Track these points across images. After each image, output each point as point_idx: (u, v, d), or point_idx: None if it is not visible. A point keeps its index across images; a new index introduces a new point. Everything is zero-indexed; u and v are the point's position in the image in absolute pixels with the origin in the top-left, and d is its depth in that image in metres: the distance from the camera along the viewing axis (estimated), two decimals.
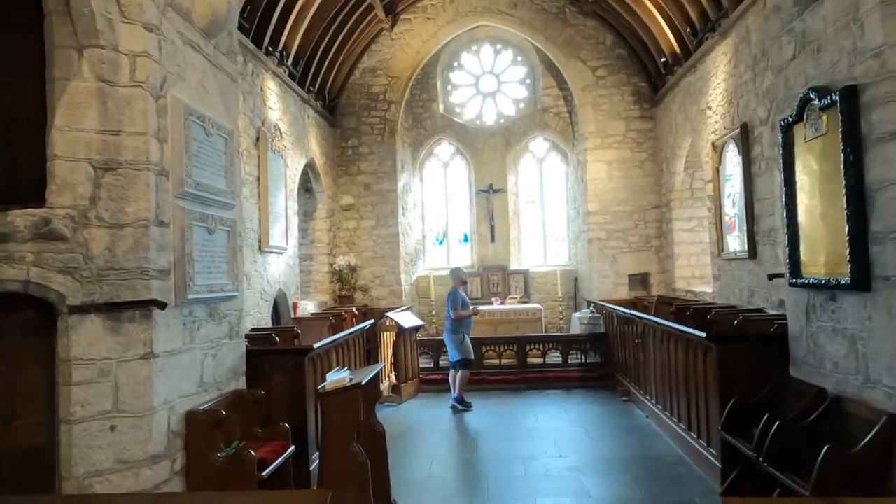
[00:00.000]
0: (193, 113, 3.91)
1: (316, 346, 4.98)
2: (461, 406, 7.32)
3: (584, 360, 8.89)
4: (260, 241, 7.60)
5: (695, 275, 9.96)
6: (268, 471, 3.79)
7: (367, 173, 11.36)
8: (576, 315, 9.82)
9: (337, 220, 11.31)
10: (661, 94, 10.32)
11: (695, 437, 5.11)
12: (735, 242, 7.54)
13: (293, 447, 4.28)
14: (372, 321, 7.65)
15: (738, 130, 7.10)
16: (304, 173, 10.41)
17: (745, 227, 7.08)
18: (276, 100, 8.41)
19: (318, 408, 4.40)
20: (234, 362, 4.52)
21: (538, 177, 12.32)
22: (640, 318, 6.83)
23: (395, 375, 8.32)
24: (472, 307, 7.94)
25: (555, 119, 11.96)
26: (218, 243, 4.25)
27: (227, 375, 4.38)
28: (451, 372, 7.61)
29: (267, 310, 7.78)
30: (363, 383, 3.66)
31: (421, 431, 6.51)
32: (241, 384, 4.61)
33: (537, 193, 12.33)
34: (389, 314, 8.14)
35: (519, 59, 12.25)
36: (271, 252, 7.98)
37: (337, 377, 3.85)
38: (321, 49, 9.60)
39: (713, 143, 7.93)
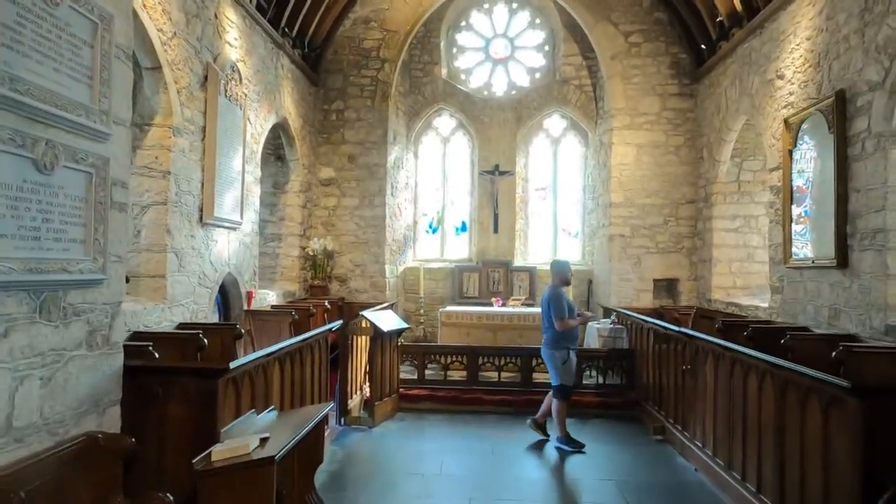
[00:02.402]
0: None
1: (235, 364, 3.25)
2: (568, 447, 5.45)
3: (601, 381, 7.24)
4: (202, 211, 5.87)
5: (736, 284, 8.32)
6: None
7: (353, 143, 9.63)
8: (593, 325, 8.19)
9: (314, 196, 9.58)
10: (707, 66, 8.64)
11: None
12: (811, 246, 5.89)
13: None
14: (339, 322, 5.95)
15: (830, 100, 5.44)
16: (276, 137, 8.69)
17: (830, 228, 5.43)
18: (237, 35, 6.66)
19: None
20: (96, 387, 2.83)
21: (552, 160, 10.62)
22: (695, 337, 5.16)
23: (369, 388, 6.65)
24: (580, 312, 6.07)
25: (575, 93, 10.25)
26: (62, 191, 2.54)
27: (77, 409, 2.68)
28: (550, 398, 5.80)
29: (207, 299, 6.07)
30: (276, 457, 1.97)
31: (394, 474, 4.84)
32: (110, 420, 2.91)
33: (550, 179, 10.64)
34: (365, 313, 6.44)
35: (538, 21, 10.53)
36: (218, 226, 6.26)
37: (239, 439, 2.16)
38: None
39: (786, 120, 6.26)
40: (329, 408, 3.04)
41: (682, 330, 5.44)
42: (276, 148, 8.90)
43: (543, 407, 5.89)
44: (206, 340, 4.59)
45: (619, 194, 9.27)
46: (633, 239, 9.26)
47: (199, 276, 5.89)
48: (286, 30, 7.97)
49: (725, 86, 8.08)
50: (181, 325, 5.35)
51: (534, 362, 7.33)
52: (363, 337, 6.58)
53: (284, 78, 8.27)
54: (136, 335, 4.64)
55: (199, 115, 5.82)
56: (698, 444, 5.04)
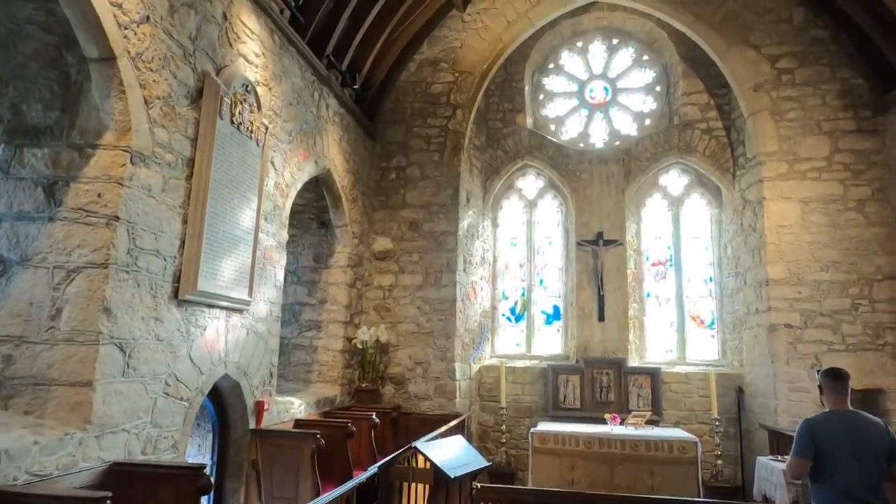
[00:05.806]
0: None
1: None
2: None
3: None
4: (178, 281, 3.88)
5: None
6: None
7: (416, 206, 7.68)
8: (768, 462, 5.37)
9: (365, 273, 7.57)
10: None
11: None
12: None
13: None
14: (377, 466, 3.58)
15: None
16: (320, 198, 6.88)
17: None
18: (258, 50, 4.98)
19: None
20: None
21: (672, 225, 8.18)
22: None
23: None
24: None
25: (702, 139, 7.95)
26: None
27: None
28: None
29: (181, 418, 3.93)
30: None
31: None
32: None
33: (671, 251, 8.15)
34: (420, 445, 4.07)
35: (645, 58, 8.54)
36: (210, 305, 4.24)
37: None
38: (352, 7, 6.23)
39: None
40: None
41: None
42: (320, 211, 7.06)
43: None
44: None
45: (780, 267, 6.66)
46: (805, 331, 6.52)
47: (166, 383, 3.79)
48: (332, 59, 6.31)
49: None
50: (113, 467, 3.22)
51: None
52: (418, 484, 4.19)
53: (329, 122, 6.53)
54: None
55: (185, 141, 3.98)
56: None
